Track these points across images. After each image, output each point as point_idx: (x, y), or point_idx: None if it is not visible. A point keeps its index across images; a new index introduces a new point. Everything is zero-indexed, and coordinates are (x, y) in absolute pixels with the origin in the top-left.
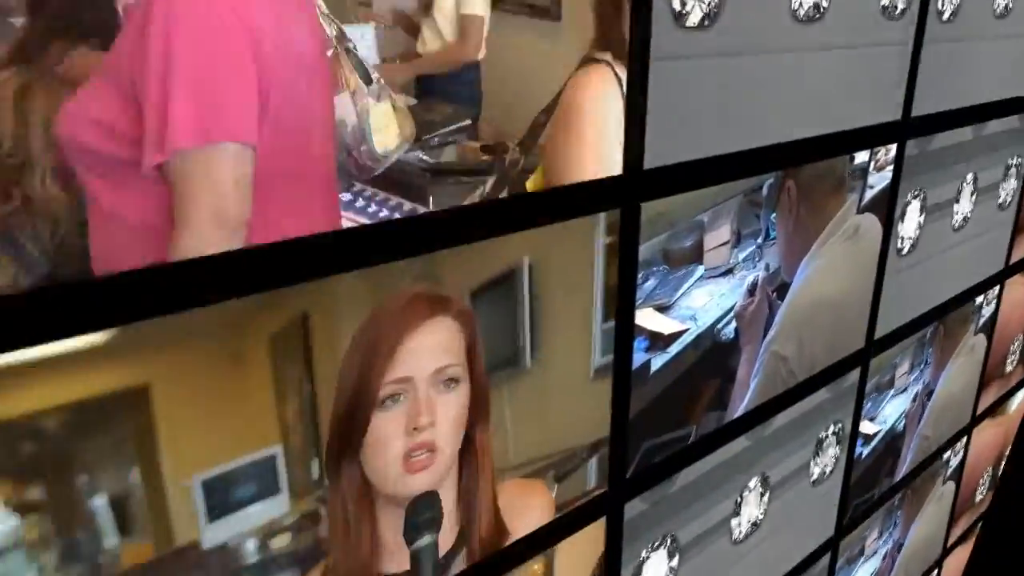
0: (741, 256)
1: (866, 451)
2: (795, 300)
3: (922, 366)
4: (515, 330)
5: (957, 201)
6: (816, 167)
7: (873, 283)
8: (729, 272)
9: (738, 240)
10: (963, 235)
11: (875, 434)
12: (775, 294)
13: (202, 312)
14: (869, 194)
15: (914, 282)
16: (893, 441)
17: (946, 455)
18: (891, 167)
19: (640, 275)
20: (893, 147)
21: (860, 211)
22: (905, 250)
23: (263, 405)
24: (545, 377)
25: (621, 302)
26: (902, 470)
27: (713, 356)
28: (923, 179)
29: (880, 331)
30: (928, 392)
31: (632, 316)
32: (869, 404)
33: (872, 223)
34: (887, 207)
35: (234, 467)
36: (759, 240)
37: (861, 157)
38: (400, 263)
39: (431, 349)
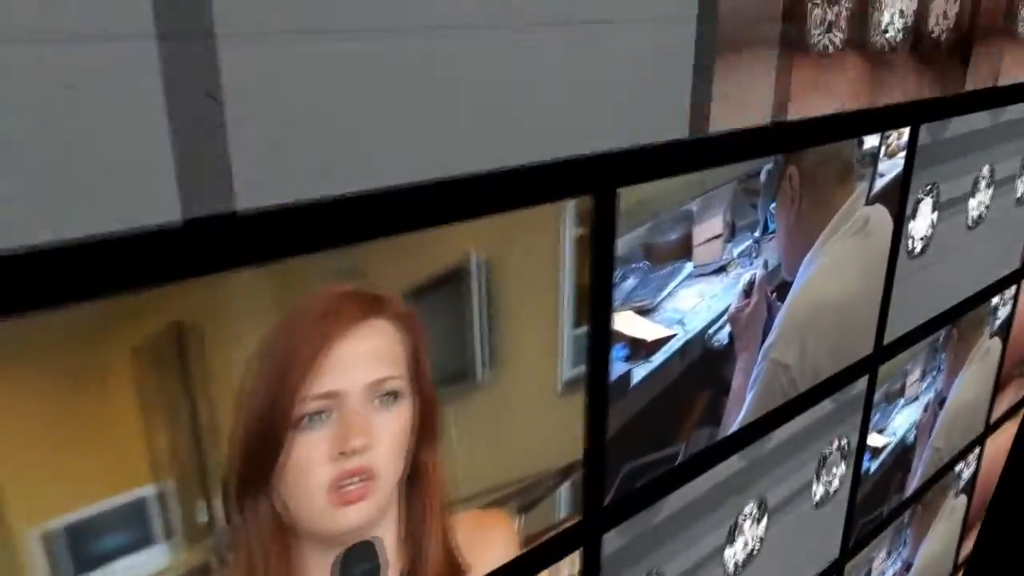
0: (736, 252)
1: (874, 466)
2: (797, 301)
3: (934, 373)
4: (466, 338)
5: (972, 196)
6: (821, 152)
7: (883, 282)
8: (722, 270)
9: (732, 233)
10: (978, 232)
11: (884, 447)
12: (775, 295)
13: (39, 319)
14: (879, 183)
15: (926, 282)
16: (903, 454)
17: (958, 467)
18: (903, 153)
19: (618, 273)
20: (906, 131)
21: (869, 202)
22: (917, 250)
23: (127, 435)
24: (504, 392)
25: (595, 304)
26: (912, 485)
27: (704, 365)
28: (936, 172)
29: (890, 335)
30: (940, 400)
31: (608, 320)
32: (878, 415)
33: (882, 215)
34: (899, 199)
35: (90, 514)
36: (757, 233)
37: (871, 142)
38: (313, 257)
39: (364, 357)
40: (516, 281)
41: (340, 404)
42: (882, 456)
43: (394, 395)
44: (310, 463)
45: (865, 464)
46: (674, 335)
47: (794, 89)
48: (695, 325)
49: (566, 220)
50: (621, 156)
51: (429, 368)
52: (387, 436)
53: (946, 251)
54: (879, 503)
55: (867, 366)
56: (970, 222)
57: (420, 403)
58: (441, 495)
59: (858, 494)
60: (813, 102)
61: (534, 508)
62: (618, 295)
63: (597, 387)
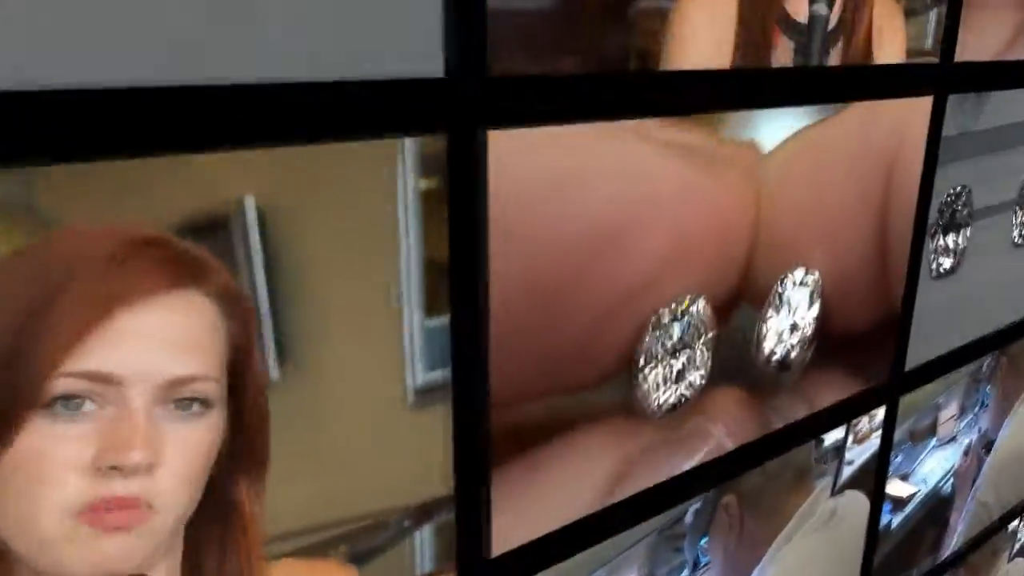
0: None
1: (897, 520)
2: None
3: (977, 409)
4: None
5: (1020, 206)
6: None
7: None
8: None
9: None
10: None
11: (910, 497)
12: None
13: None
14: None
15: (959, 301)
16: (938, 507)
17: (1012, 525)
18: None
19: None
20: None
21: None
22: (946, 265)
23: None
24: (315, 398)
25: (459, 286)
26: (950, 545)
27: None
28: (965, 172)
29: (912, 361)
30: (986, 443)
31: (481, 307)
32: (899, 457)
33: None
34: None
35: None
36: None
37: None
38: None
39: (165, 342)
40: (321, 245)
41: (115, 397)
42: (908, 508)
43: (200, 402)
44: (52, 466)
45: (884, 517)
46: None
47: None
48: None
49: (405, 167)
50: (483, 84)
51: (260, 372)
52: (179, 456)
53: (985, 266)
54: (905, 565)
55: (883, 395)
56: (1018, 239)
57: (242, 417)
58: (260, 542)
59: (875, 555)
60: None
61: (377, 557)
62: None
63: (468, 397)
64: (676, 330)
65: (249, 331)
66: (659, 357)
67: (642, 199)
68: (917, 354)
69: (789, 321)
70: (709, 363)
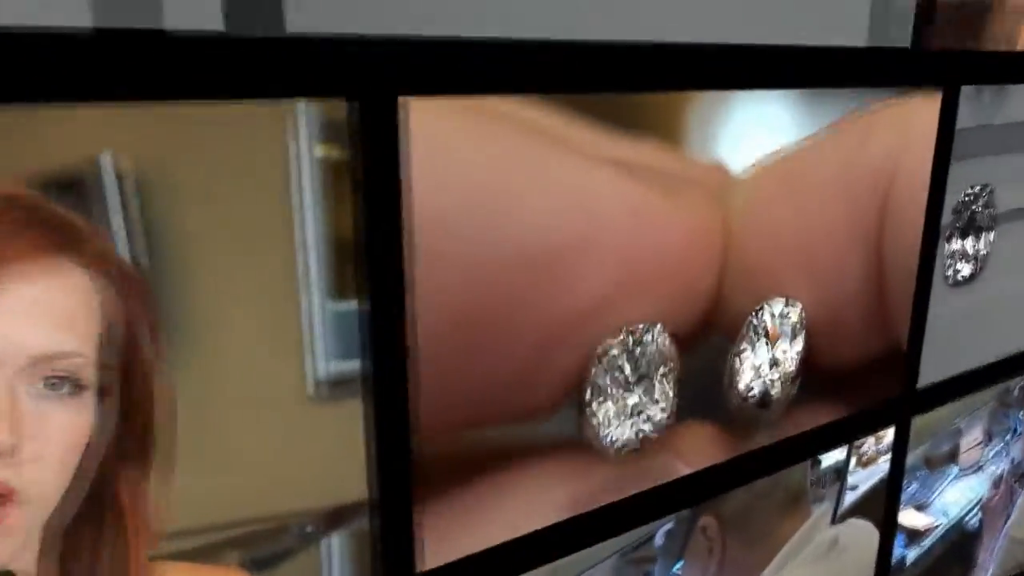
0: None
1: (913, 555)
2: None
3: (1008, 436)
4: None
5: None
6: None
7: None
8: None
9: None
10: None
11: (927, 530)
12: None
13: None
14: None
15: (982, 312)
16: (962, 542)
17: None
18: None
19: None
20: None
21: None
22: (964, 272)
23: None
24: (199, 387)
25: (373, 269)
26: None
27: None
28: (987, 170)
29: (925, 378)
30: (1020, 474)
31: (399, 291)
32: (914, 484)
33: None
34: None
35: None
36: None
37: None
38: None
39: (25, 313)
40: (204, 216)
41: None
42: (926, 542)
43: (71, 382)
44: None
45: (898, 551)
46: None
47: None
48: None
49: (299, 133)
50: (401, 46)
51: (149, 353)
52: (47, 440)
53: (1013, 274)
54: None
55: (892, 415)
56: None
57: (123, 401)
58: (144, 543)
59: None
60: None
61: (280, 564)
62: None
63: (387, 392)
64: (627, 361)
65: (133, 306)
66: (609, 390)
67: (585, 218)
68: (931, 371)
69: (768, 355)
70: (673, 398)
